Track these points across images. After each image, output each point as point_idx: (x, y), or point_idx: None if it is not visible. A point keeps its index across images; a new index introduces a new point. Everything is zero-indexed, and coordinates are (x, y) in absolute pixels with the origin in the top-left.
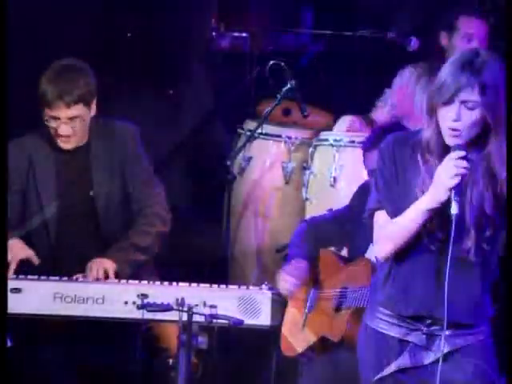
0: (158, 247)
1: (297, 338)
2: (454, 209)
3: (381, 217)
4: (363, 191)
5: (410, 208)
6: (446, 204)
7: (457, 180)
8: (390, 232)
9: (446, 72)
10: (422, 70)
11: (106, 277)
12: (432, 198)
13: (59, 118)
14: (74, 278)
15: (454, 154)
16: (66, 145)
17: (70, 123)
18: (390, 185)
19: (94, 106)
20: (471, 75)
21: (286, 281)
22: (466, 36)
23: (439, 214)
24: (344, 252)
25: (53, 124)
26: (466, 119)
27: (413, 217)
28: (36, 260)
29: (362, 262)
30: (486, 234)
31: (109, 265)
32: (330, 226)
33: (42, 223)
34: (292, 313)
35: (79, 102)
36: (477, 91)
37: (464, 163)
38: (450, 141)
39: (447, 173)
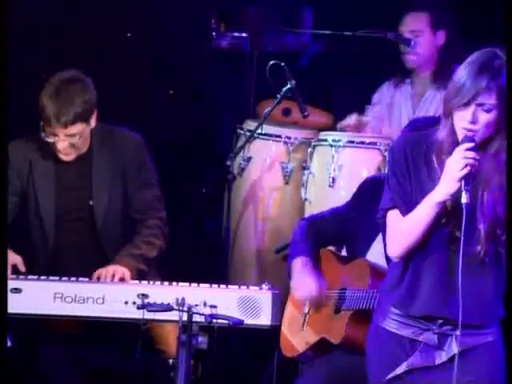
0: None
1: (297, 337)
2: (465, 198)
3: (394, 215)
4: (363, 191)
5: (421, 203)
6: (459, 198)
7: (466, 171)
8: (402, 229)
9: (463, 74)
10: (398, 79)
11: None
12: (442, 191)
13: (57, 135)
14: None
15: (462, 146)
16: (66, 157)
17: (68, 139)
18: (402, 182)
19: (93, 120)
20: (490, 78)
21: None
22: (411, 33)
23: (452, 207)
24: (344, 252)
25: (51, 139)
26: (482, 121)
27: (424, 210)
28: (23, 267)
29: (360, 263)
30: (499, 237)
31: (125, 271)
32: (329, 224)
33: (40, 228)
34: (291, 312)
35: (77, 121)
36: (495, 94)
37: (473, 154)
38: None
39: (456, 164)
